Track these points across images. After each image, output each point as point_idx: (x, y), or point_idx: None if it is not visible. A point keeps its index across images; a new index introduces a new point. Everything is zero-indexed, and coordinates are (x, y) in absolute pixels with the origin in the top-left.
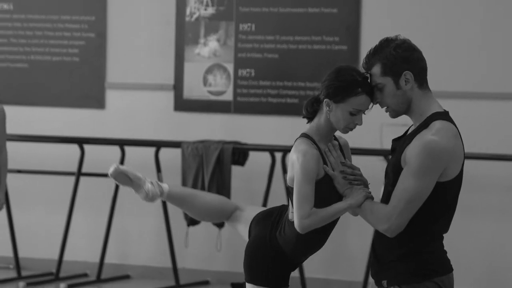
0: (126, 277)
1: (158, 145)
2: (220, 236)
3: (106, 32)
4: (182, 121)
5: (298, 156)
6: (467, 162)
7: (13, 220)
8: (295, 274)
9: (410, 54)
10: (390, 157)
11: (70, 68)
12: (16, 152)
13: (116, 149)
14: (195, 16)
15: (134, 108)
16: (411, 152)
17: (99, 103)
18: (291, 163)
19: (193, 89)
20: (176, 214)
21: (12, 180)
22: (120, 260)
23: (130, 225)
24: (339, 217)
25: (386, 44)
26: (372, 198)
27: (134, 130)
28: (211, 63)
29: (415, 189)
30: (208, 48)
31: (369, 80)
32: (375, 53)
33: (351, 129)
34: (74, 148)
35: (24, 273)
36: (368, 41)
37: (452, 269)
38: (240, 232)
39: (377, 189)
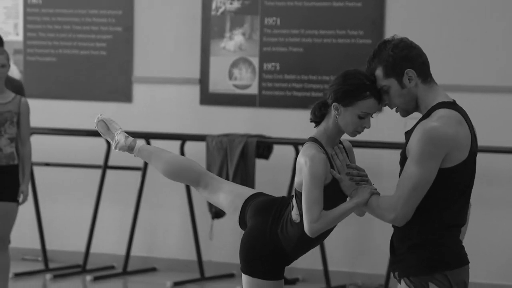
0: (153, 269)
1: (183, 138)
2: None
3: (133, 26)
4: (208, 115)
5: (306, 161)
6: (487, 155)
7: (40, 213)
8: (318, 266)
9: (408, 52)
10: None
11: (97, 62)
12: (44, 145)
13: (142, 142)
14: (220, 10)
15: (161, 101)
16: (412, 140)
17: (126, 96)
18: (299, 167)
19: (219, 83)
20: (201, 207)
21: (40, 173)
22: (146, 253)
23: (156, 218)
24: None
25: (383, 47)
26: (378, 194)
27: (160, 123)
28: (236, 57)
29: (418, 176)
30: (234, 42)
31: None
32: (374, 57)
33: (359, 132)
34: (101, 141)
35: (51, 265)
36: (392, 35)
37: (467, 262)
38: (214, 201)
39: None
